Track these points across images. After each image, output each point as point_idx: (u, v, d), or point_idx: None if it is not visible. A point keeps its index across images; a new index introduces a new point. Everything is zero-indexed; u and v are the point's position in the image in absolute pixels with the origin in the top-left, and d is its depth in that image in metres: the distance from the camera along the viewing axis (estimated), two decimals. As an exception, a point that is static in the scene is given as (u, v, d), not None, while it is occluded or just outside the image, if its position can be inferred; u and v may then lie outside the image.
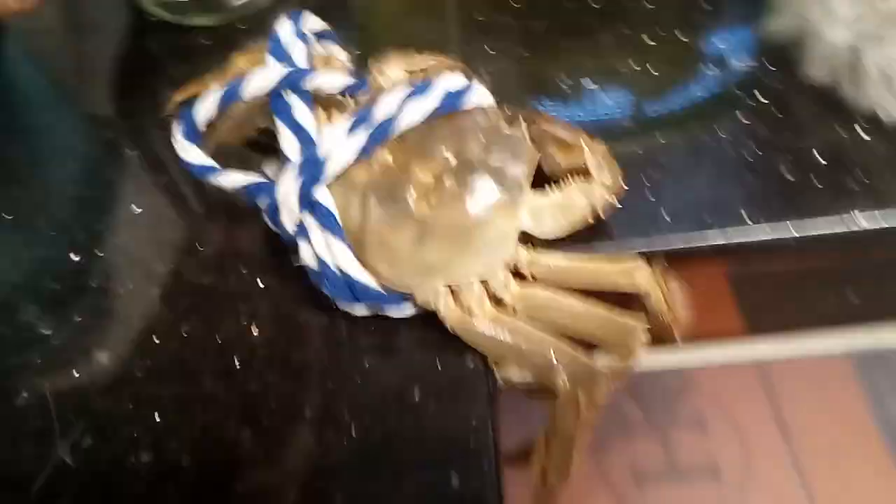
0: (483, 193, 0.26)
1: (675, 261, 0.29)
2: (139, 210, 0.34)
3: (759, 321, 0.39)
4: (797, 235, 0.29)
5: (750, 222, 0.30)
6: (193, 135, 0.30)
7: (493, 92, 0.29)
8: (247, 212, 0.31)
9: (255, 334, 0.29)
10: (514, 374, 0.28)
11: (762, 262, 0.31)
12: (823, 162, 0.31)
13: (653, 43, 0.38)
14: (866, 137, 0.32)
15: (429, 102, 0.27)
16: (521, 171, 0.27)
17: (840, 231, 0.29)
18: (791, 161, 0.32)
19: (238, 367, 0.28)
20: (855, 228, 0.29)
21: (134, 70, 0.40)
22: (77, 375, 0.28)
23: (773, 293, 0.36)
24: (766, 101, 0.34)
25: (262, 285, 0.30)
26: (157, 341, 0.29)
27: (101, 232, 0.33)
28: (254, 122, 0.32)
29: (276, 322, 0.29)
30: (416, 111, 0.27)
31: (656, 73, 0.36)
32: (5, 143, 0.37)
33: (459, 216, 0.26)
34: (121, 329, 0.29)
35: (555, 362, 0.26)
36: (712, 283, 0.35)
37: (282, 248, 0.30)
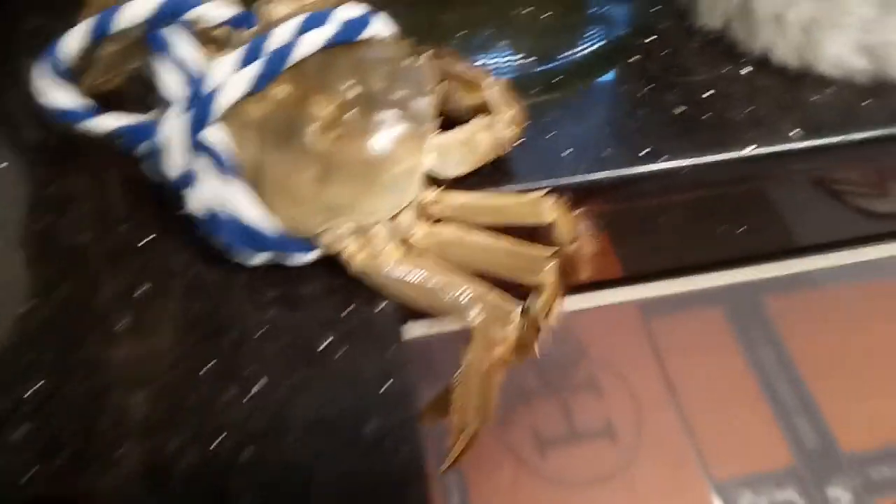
0: (387, 127, 0.25)
1: (577, 198, 0.29)
2: (3, 164, 0.30)
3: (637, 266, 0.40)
4: (690, 164, 0.30)
5: (644, 154, 0.30)
6: (59, 76, 0.27)
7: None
8: (124, 161, 0.29)
9: (142, 292, 0.26)
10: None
11: (657, 194, 0.32)
12: (708, 96, 0.32)
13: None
14: (753, 76, 0.33)
15: (327, 30, 0.25)
16: (426, 103, 0.26)
17: (729, 158, 0.30)
18: (680, 96, 0.32)
19: (124, 328, 0.25)
20: (741, 156, 0.31)
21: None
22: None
23: (651, 237, 0.37)
24: (654, 41, 0.35)
25: (146, 240, 0.28)
26: (26, 307, 0.26)
27: None
28: (126, 63, 0.29)
29: (165, 279, 0.27)
30: (314, 40, 0.25)
31: (547, 19, 0.36)
32: None
33: (363, 151, 0.25)
34: (-16, 297, 0.26)
35: (466, 297, 0.25)
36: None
37: (165, 197, 0.27)
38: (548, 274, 0.26)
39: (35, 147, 0.31)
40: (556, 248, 0.27)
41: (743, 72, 0.34)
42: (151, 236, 0.27)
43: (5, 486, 0.22)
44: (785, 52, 0.33)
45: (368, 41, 0.26)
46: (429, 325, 0.36)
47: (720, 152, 0.30)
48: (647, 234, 0.36)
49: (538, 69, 0.34)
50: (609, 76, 0.34)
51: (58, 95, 0.27)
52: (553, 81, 0.33)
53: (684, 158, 0.30)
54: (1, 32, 0.34)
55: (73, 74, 0.27)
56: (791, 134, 0.31)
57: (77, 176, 0.29)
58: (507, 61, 0.35)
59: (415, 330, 0.37)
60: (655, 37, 0.35)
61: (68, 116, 0.27)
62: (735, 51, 0.34)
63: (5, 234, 0.28)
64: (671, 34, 0.35)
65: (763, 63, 0.34)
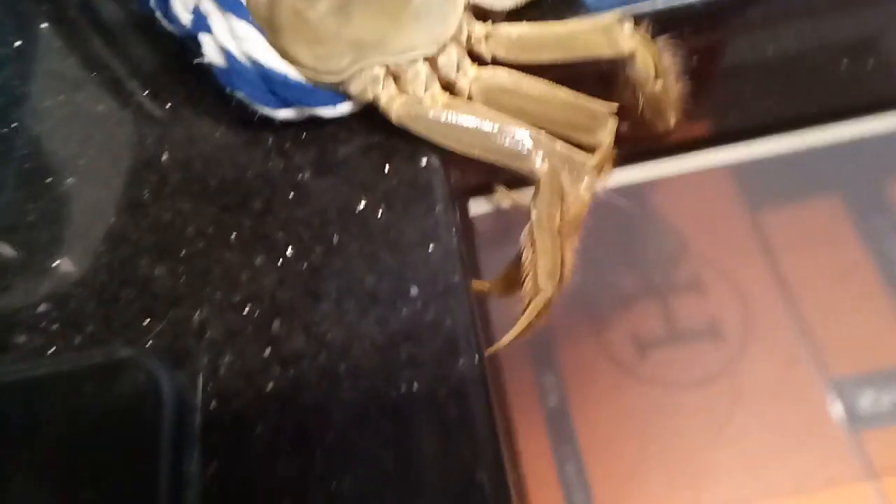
0: (416, -61, 0.21)
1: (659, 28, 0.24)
2: (18, 42, 0.28)
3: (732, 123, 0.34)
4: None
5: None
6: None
7: None
8: (142, 23, 0.26)
9: (165, 159, 0.24)
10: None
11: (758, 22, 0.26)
12: None
13: None
14: None
15: None
16: None
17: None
18: None
19: (147, 197, 0.23)
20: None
21: None
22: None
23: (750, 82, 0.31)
24: None
25: (168, 104, 0.25)
26: (48, 180, 0.24)
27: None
28: None
29: (188, 144, 0.24)
30: None
31: None
32: None
33: (388, -28, 0.21)
34: (9, 169, 0.24)
35: (529, 143, 0.21)
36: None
37: (187, 61, 0.24)
38: (606, 133, 0.22)
39: (56, 20, 0.28)
40: (617, 106, 0.23)
41: None
42: (170, 103, 0.25)
43: (32, 356, 0.20)
44: None
45: None
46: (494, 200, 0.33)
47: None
48: (745, 78, 0.30)
49: None
50: None
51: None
52: None
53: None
54: None
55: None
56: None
57: (93, 43, 0.27)
58: None
59: (480, 207, 0.33)
60: None
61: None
62: None
63: (28, 107, 0.26)
64: None
65: None
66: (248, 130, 0.24)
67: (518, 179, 0.22)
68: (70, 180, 0.24)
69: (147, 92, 0.25)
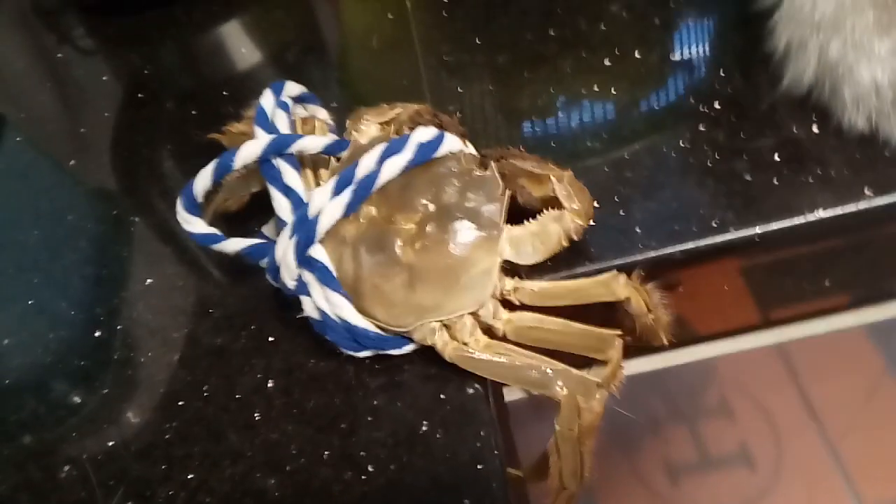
0: (462, 235, 0.29)
1: (653, 270, 0.31)
2: (150, 280, 0.36)
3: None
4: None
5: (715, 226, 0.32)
6: (194, 207, 0.32)
7: (465, 126, 0.31)
8: (251, 271, 0.34)
9: (271, 386, 0.31)
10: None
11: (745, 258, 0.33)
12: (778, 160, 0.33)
13: (610, 63, 0.40)
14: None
15: (404, 157, 0.29)
16: (495, 208, 0.29)
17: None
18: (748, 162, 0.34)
19: (258, 419, 0.30)
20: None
21: (130, 143, 0.43)
22: (111, 444, 0.30)
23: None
24: (720, 109, 0.36)
25: (271, 339, 0.32)
26: (180, 403, 0.31)
27: (118, 306, 0.35)
28: (248, 188, 0.34)
29: (288, 373, 0.31)
30: (394, 166, 0.29)
31: (617, 92, 0.39)
32: (18, 229, 0.40)
33: (443, 258, 0.29)
34: (146, 395, 0.32)
35: (551, 374, 0.28)
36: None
37: (285, 302, 0.32)
38: (615, 351, 0.29)
39: (178, 261, 0.37)
40: (619, 331, 0.29)
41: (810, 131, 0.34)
42: (272, 337, 0.32)
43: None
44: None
45: (442, 158, 0.30)
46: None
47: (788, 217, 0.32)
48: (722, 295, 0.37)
49: (606, 141, 0.37)
50: (676, 144, 0.36)
51: (194, 224, 0.32)
52: (622, 159, 0.36)
53: (753, 227, 0.31)
54: (144, 152, 0.41)
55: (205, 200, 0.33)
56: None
57: (212, 285, 0.35)
58: (574, 137, 0.37)
59: (514, 393, 0.40)
60: (719, 101, 0.37)
61: (203, 240, 0.32)
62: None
63: (160, 338, 0.34)
64: (734, 96, 0.37)
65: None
66: (334, 361, 0.31)
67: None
68: (197, 404, 0.31)
69: (253, 327, 0.33)
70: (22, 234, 0.40)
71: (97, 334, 0.34)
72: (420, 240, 0.29)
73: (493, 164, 0.30)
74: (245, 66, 0.49)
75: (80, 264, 0.38)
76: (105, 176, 0.42)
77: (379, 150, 0.29)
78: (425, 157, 0.29)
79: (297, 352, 0.32)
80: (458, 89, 0.41)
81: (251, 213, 0.35)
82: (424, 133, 0.30)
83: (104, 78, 0.48)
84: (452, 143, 0.30)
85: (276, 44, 0.49)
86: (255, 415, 0.30)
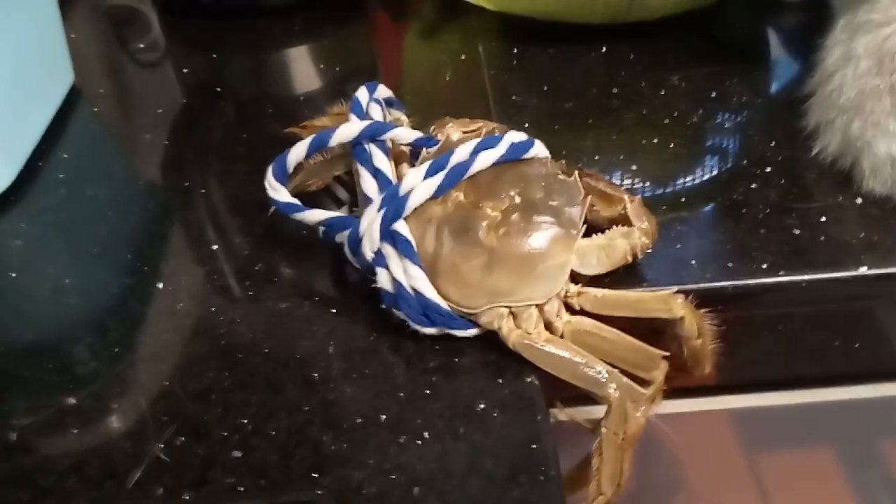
0: (544, 227, 0.31)
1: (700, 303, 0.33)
2: (216, 247, 0.37)
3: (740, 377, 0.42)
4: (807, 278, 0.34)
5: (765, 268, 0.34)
6: (284, 177, 0.34)
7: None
8: (317, 248, 0.35)
9: (331, 351, 0.32)
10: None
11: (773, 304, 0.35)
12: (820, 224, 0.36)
13: (669, 122, 0.43)
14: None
15: (497, 151, 0.31)
16: (576, 211, 0.31)
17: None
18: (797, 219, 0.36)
19: (317, 377, 0.31)
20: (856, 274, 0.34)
21: (201, 126, 0.45)
22: (167, 383, 0.31)
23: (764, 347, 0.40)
24: (771, 172, 0.39)
25: (333, 311, 0.33)
26: (240, 356, 0.32)
27: (183, 264, 0.36)
28: (331, 171, 0.36)
29: (349, 341, 0.32)
30: (487, 158, 0.31)
31: (675, 147, 0.42)
32: (90, 186, 0.41)
33: (524, 246, 0.30)
34: (206, 345, 0.32)
35: (606, 376, 0.29)
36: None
37: (350, 281, 0.34)
38: (659, 372, 0.30)
39: (243, 233, 0.38)
40: (668, 353, 0.31)
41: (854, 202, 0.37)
42: (335, 310, 0.33)
43: (226, 492, 0.27)
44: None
45: (530, 160, 0.32)
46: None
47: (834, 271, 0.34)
48: (758, 343, 0.38)
49: (665, 190, 0.39)
50: (730, 198, 0.38)
51: (280, 192, 0.34)
52: (679, 201, 0.38)
53: (801, 274, 0.34)
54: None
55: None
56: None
57: (279, 256, 0.36)
58: (636, 184, 0.40)
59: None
60: (769, 164, 0.40)
61: (287, 208, 0.34)
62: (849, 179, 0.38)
63: (224, 296, 0.35)
64: (784, 161, 0.40)
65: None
66: (396, 337, 0.32)
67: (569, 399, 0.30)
68: (256, 360, 0.32)
69: (317, 299, 0.34)
70: (91, 190, 0.41)
71: (160, 286, 0.35)
72: (504, 226, 0.31)
73: (575, 174, 0.33)
74: (306, 88, 0.52)
75: (149, 222, 0.39)
76: (179, 150, 0.44)
77: (473, 143, 0.32)
78: (516, 155, 0.32)
79: (359, 324, 0.33)
80: (526, 125, 0.44)
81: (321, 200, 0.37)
82: (517, 134, 0.32)
83: (183, 71, 0.51)
84: (541, 148, 0.33)
85: (339, 71, 0.52)
86: (314, 374, 0.31)
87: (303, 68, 0.55)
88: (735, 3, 0.52)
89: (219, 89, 0.49)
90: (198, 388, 0.31)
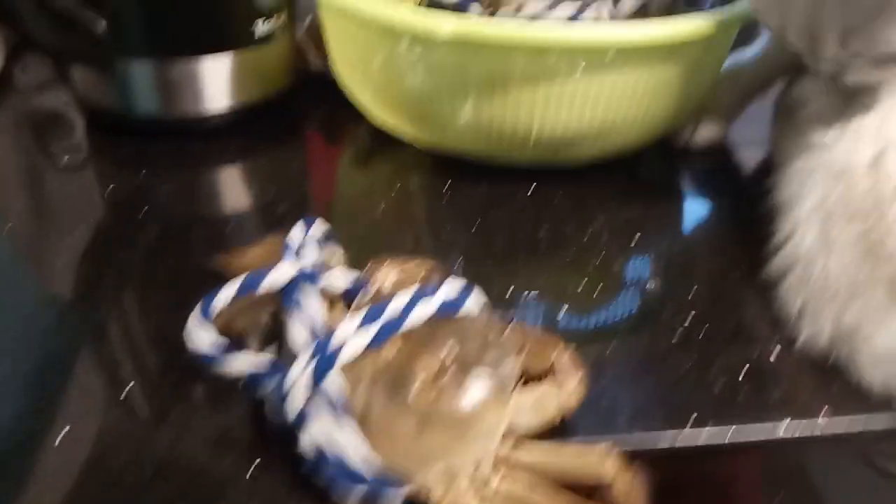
0: (477, 389, 0.30)
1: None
2: (130, 386, 0.35)
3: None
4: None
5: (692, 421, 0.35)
6: (206, 320, 0.32)
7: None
8: (233, 401, 0.34)
9: (246, 518, 0.30)
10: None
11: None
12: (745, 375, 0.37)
13: (596, 263, 0.45)
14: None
15: (432, 306, 0.31)
16: (510, 367, 0.31)
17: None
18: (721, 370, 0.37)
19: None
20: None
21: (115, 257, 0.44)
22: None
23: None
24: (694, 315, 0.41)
25: (250, 475, 0.31)
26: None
27: (91, 405, 0.34)
28: (252, 314, 0.35)
29: (272, 500, 0.30)
30: (421, 314, 0.31)
31: (600, 290, 0.43)
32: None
33: (456, 409, 0.30)
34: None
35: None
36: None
37: (270, 437, 0.32)
38: None
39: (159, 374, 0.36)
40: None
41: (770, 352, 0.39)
42: (254, 467, 0.32)
43: None
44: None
45: (465, 312, 0.32)
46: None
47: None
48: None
49: (593, 333, 0.40)
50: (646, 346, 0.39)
51: (203, 336, 0.32)
52: (606, 348, 0.39)
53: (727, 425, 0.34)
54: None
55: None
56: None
57: (200, 399, 0.34)
58: (565, 327, 0.40)
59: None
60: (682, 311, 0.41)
61: (206, 359, 0.32)
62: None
63: (143, 443, 0.32)
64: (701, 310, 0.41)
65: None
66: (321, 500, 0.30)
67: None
68: None
69: (239, 451, 0.32)
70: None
71: (65, 429, 0.33)
72: (436, 387, 0.30)
73: (510, 328, 0.33)
74: (237, 210, 0.51)
75: (57, 358, 0.37)
76: (96, 277, 0.42)
77: (409, 295, 0.32)
78: (452, 310, 0.32)
79: (278, 490, 0.31)
80: (460, 259, 0.44)
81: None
82: (454, 286, 0.32)
83: (108, 187, 0.50)
84: (478, 297, 0.33)
85: (272, 193, 0.52)
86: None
87: (234, 190, 0.54)
88: (654, 148, 0.56)
89: (146, 208, 0.48)
90: None
